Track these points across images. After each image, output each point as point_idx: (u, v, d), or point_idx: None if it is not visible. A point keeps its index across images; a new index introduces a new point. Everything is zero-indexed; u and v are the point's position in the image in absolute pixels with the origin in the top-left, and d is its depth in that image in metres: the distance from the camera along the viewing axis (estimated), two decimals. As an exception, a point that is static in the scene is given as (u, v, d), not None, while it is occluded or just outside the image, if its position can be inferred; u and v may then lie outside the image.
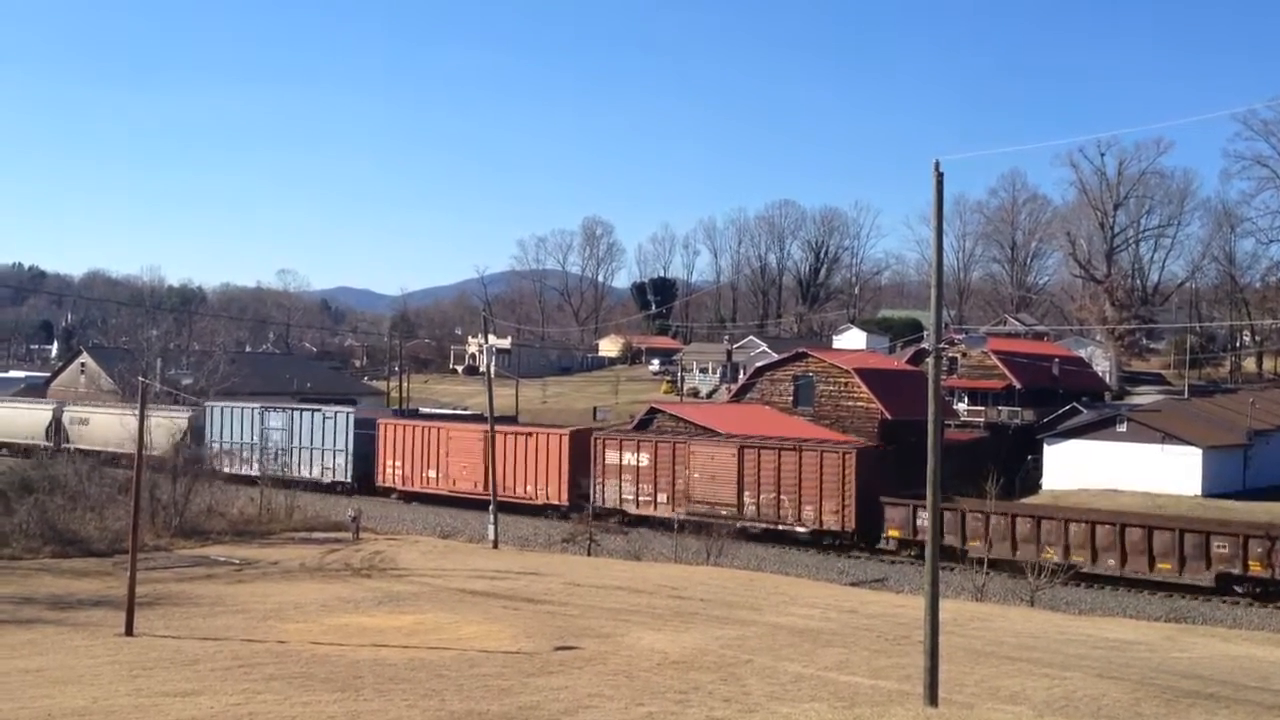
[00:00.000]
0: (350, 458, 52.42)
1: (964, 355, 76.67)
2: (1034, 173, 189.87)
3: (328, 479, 52.61)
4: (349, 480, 52.03)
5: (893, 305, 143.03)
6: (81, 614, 24.20)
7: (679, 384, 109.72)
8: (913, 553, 36.05)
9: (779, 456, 40.18)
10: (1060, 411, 69.67)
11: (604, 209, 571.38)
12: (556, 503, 44.87)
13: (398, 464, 50.70)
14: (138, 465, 24.04)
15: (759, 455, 40.73)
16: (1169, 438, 56.69)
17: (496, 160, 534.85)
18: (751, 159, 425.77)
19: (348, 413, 54.24)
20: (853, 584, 33.65)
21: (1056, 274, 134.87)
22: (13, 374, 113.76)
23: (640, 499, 42.94)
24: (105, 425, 59.86)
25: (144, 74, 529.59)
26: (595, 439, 44.97)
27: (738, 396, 73.35)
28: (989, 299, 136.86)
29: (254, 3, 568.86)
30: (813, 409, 66.74)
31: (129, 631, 21.48)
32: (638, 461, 43.08)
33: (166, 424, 54.25)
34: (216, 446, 54.66)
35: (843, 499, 38.58)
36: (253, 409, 56.78)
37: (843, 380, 66.99)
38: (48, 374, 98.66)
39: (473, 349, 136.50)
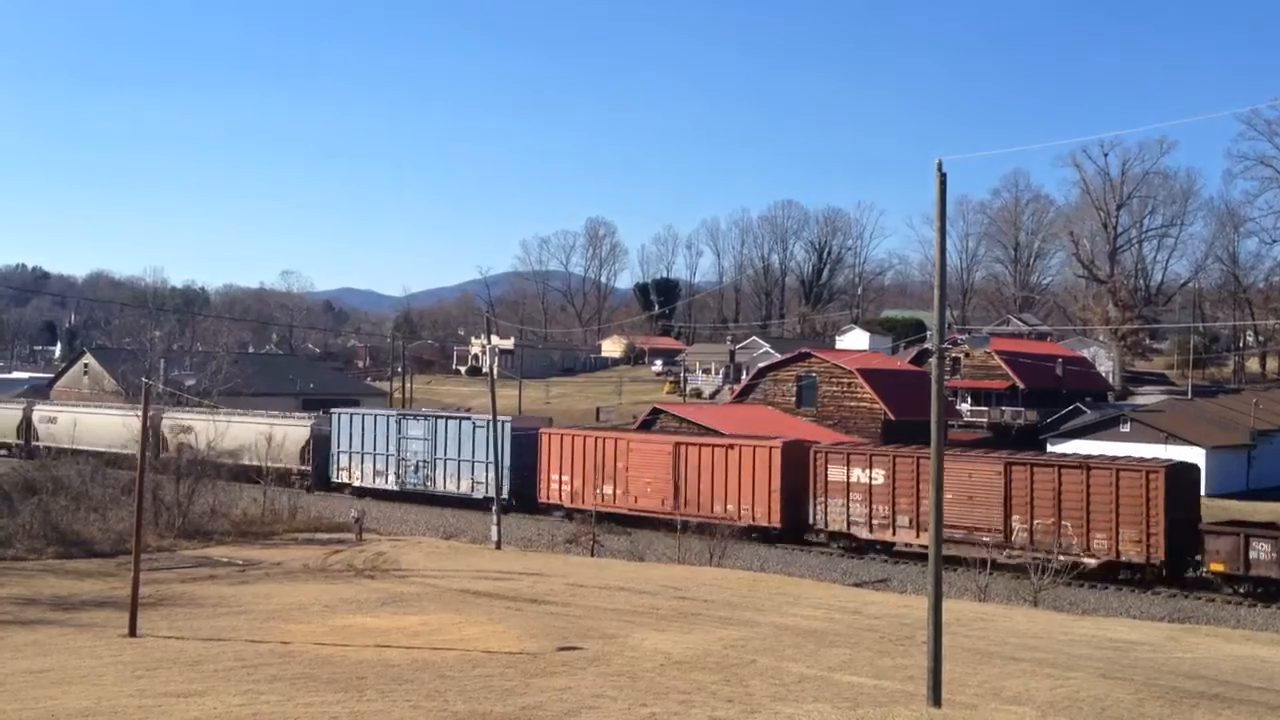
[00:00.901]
0: (506, 471, 45.78)
1: (967, 356, 76.76)
2: (1037, 173, 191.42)
3: (478, 494, 47.55)
4: (504, 496, 45.21)
5: (895, 305, 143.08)
6: (85, 615, 24.23)
7: (682, 385, 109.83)
8: (1242, 589, 31.67)
9: (1058, 475, 34.40)
10: (1063, 412, 69.76)
11: (607, 210, 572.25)
12: (765, 524, 39.71)
13: (565, 478, 45.34)
14: (140, 466, 24.05)
15: (1031, 473, 35.01)
16: (1172, 438, 56.75)
17: (500, 161, 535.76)
18: (754, 160, 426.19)
19: (503, 421, 47.48)
20: (856, 585, 33.63)
21: (1060, 274, 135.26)
22: (16, 375, 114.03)
23: (874, 522, 37.79)
24: (221, 435, 54.94)
25: (146, 75, 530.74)
26: (816, 453, 39.73)
27: (741, 397, 73.50)
28: (992, 299, 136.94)
29: (259, 4, 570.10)
30: (815, 409, 66.87)
31: (132, 632, 21.49)
32: (870, 479, 37.90)
33: (291, 432, 53.79)
34: (345, 458, 52.62)
35: (1147, 526, 32.89)
36: (388, 416, 52.85)
37: (846, 381, 67.10)
38: (51, 375, 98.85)
39: (476, 350, 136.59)
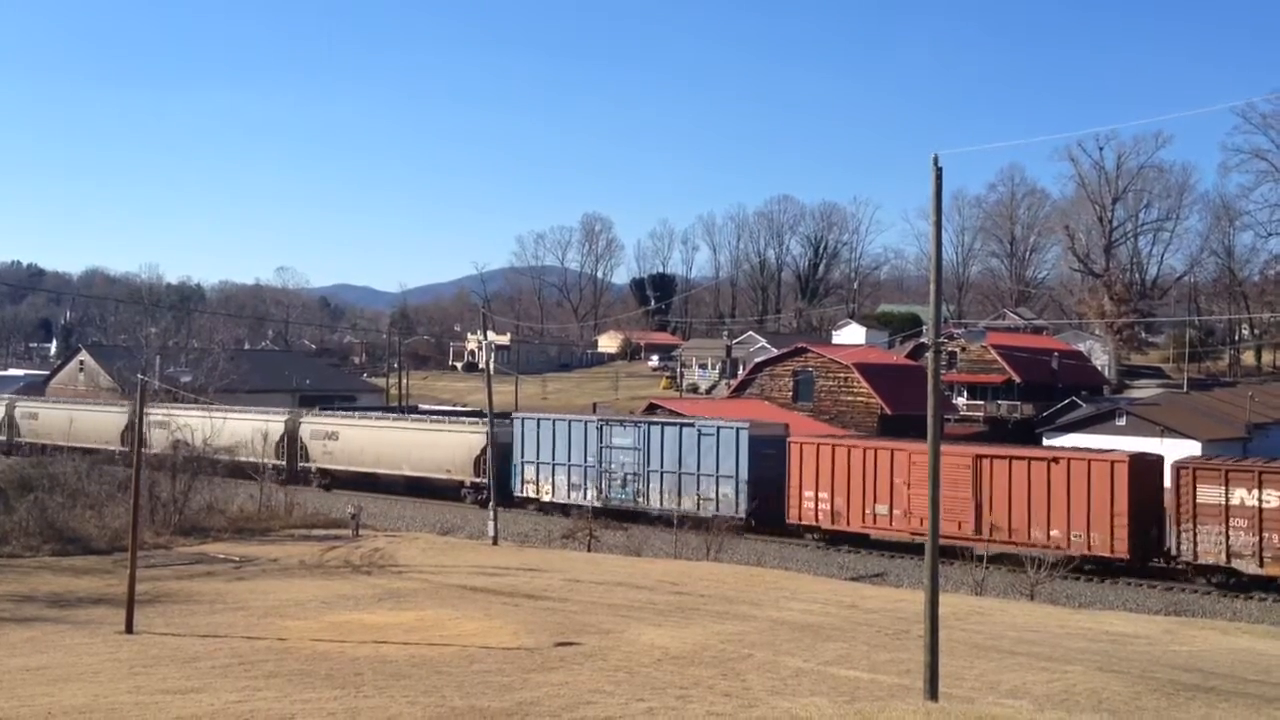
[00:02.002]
0: (742, 486, 41.00)
1: (963, 350, 76.83)
2: (1033, 167, 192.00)
3: (707, 512, 40.74)
4: (740, 515, 40.59)
5: (892, 300, 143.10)
6: (81, 612, 24.19)
7: (678, 380, 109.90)
8: None
9: None
10: (1059, 405, 69.79)
11: (603, 205, 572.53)
12: (1106, 553, 33.43)
13: (823, 496, 39.10)
14: (136, 464, 24.02)
15: None
16: (1168, 431, 56.73)
17: (495, 157, 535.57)
18: (750, 155, 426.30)
19: (737, 428, 42.28)
20: (853, 579, 33.64)
21: (1055, 268, 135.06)
22: (12, 372, 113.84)
23: (1265, 555, 31.43)
24: (376, 442, 50.90)
25: (143, 72, 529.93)
26: (1182, 469, 33.30)
27: (737, 392, 73.54)
28: (988, 294, 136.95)
29: (255, 2, 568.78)
30: (812, 404, 66.91)
31: (129, 629, 21.48)
32: (1260, 501, 31.56)
33: (463, 440, 48.56)
34: (531, 470, 46.65)
35: None
36: (586, 422, 46.25)
37: (842, 375, 67.12)
38: (47, 372, 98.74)
39: (472, 345, 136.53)
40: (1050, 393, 73.94)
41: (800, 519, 39.79)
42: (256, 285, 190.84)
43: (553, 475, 46.09)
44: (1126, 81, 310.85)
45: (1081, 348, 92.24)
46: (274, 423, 54.80)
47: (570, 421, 46.89)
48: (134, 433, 24.50)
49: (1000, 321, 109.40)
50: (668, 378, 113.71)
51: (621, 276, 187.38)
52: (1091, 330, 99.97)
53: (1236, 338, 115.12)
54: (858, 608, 25.51)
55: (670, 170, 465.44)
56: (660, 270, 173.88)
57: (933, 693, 14.85)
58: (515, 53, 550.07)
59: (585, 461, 45.05)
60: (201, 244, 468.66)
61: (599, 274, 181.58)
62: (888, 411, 63.48)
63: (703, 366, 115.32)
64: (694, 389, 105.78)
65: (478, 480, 47.19)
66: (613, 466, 44.50)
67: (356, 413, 57.81)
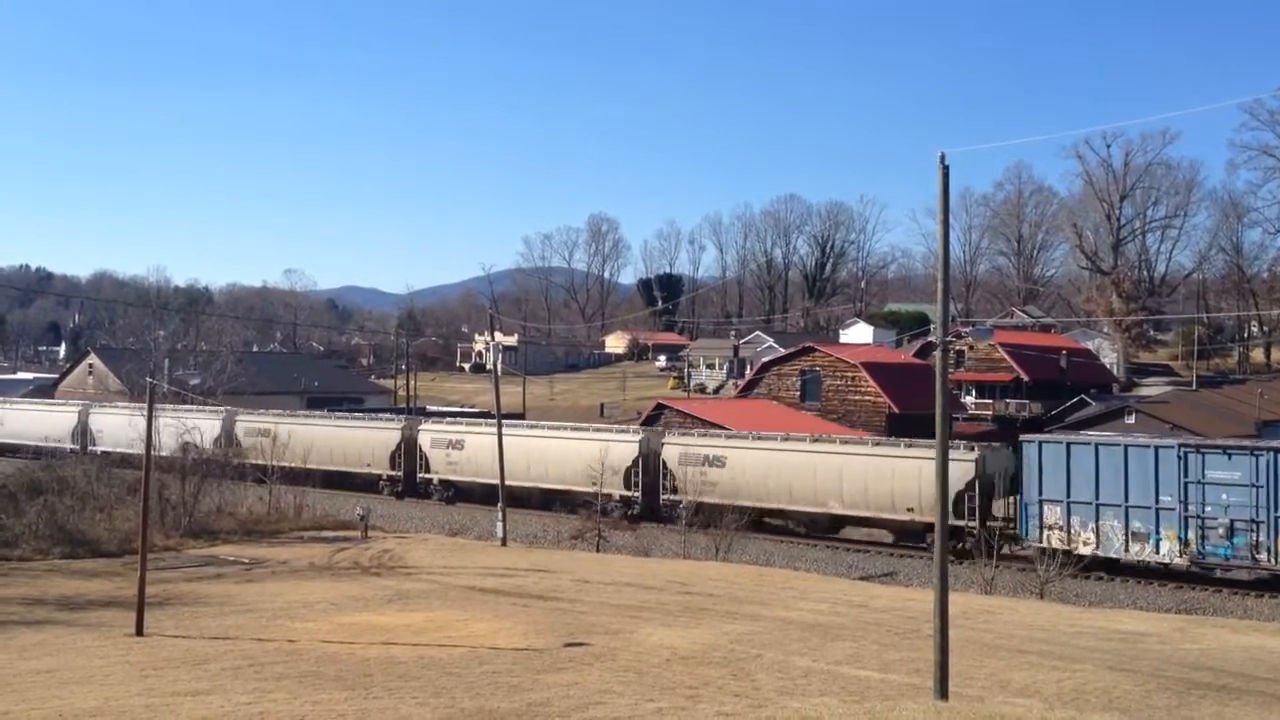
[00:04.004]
0: None
1: (971, 348, 76.78)
2: (1040, 165, 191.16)
3: None
4: None
5: (899, 299, 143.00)
6: (92, 615, 24.25)
7: (686, 380, 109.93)
8: None
9: None
10: (1068, 404, 69.72)
11: (609, 206, 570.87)
12: None
13: None
14: (146, 466, 24.07)
15: None
16: (1177, 429, 56.52)
17: (502, 158, 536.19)
18: (757, 154, 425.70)
19: None
20: (862, 578, 33.62)
21: (1063, 266, 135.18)
22: (21, 375, 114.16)
23: None
24: (771, 467, 41.21)
25: (149, 74, 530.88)
26: None
27: (745, 392, 73.54)
28: (996, 292, 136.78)
29: (259, 2, 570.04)
30: (820, 403, 66.89)
31: (139, 632, 21.52)
32: None
33: (956, 468, 33.78)
34: (1055, 512, 34.39)
35: None
36: (1154, 447, 33.57)
37: (850, 374, 67.09)
38: (56, 375, 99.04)
39: (479, 347, 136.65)
40: (1059, 391, 73.88)
41: None
42: (264, 287, 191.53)
43: (1096, 519, 33.93)
44: (1133, 79, 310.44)
45: (1090, 346, 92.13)
46: (619, 442, 45.42)
47: (1128, 447, 34.24)
48: (146, 436, 24.53)
49: (1008, 320, 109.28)
50: (675, 378, 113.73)
51: (628, 277, 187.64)
52: (1100, 328, 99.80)
53: (1245, 335, 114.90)
54: (867, 607, 25.49)
55: (676, 170, 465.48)
56: (667, 270, 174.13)
57: (943, 692, 14.82)
58: (519, 53, 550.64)
59: (1156, 502, 33.06)
60: (209, 247, 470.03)
61: (606, 274, 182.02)
62: (895, 410, 63.48)
63: (710, 366, 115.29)
64: (701, 389, 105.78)
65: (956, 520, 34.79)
66: (1208, 509, 32.36)
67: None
